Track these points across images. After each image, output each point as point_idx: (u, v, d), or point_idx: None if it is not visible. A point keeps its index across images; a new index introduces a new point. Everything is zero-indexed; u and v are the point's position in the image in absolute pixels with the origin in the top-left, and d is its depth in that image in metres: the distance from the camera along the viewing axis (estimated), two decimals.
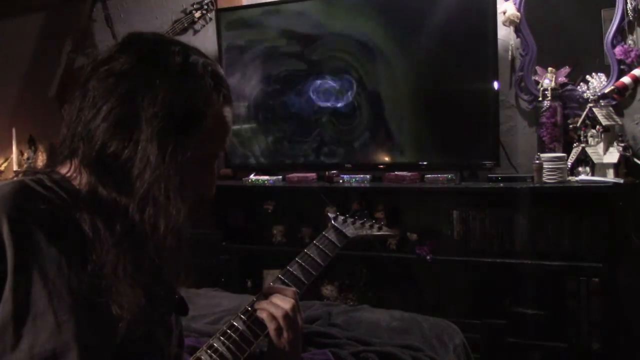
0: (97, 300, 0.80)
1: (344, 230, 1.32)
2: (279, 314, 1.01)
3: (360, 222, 1.40)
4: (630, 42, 2.44)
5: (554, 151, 2.48)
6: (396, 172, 2.71)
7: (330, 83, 2.85)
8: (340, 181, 2.79)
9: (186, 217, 0.83)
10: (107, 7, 3.45)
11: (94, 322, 0.80)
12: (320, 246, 1.24)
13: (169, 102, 0.80)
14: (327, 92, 2.86)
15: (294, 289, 1.09)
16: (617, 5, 2.42)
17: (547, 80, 2.52)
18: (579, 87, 2.52)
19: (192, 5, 3.25)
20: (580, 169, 2.47)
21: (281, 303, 1.03)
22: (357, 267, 2.82)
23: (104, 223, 0.81)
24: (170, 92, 0.81)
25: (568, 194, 2.43)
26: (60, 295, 0.77)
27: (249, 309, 1.03)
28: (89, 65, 0.85)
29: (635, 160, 2.41)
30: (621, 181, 2.30)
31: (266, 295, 1.07)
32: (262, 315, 1.02)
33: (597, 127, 2.42)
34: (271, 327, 1.01)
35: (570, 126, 2.51)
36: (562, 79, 2.54)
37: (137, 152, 0.79)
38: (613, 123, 2.40)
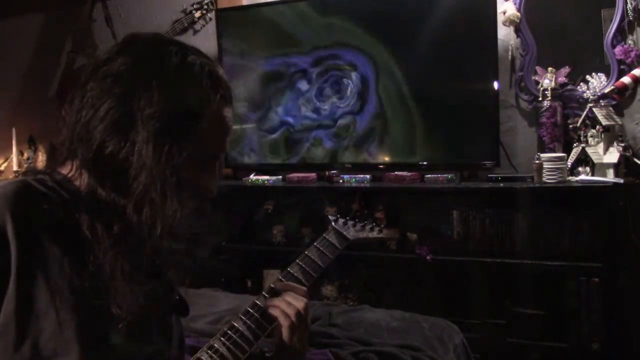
0: (98, 301, 0.80)
1: (344, 233, 1.32)
2: (292, 312, 1.03)
3: (361, 224, 1.40)
4: (630, 42, 2.44)
5: (554, 151, 2.49)
6: (396, 172, 2.72)
7: (330, 83, 2.85)
8: (340, 181, 2.79)
9: (184, 217, 0.83)
10: (107, 7, 3.45)
11: (94, 322, 0.80)
12: (321, 248, 1.24)
13: (164, 102, 0.80)
14: (327, 92, 2.86)
15: (305, 288, 1.10)
16: (617, 5, 2.42)
17: (547, 80, 2.52)
18: (579, 87, 2.52)
19: (192, 5, 3.25)
20: (580, 169, 2.47)
21: (294, 302, 1.04)
22: (357, 267, 2.82)
23: (102, 224, 0.81)
24: (166, 93, 0.81)
25: (568, 194, 2.43)
26: (62, 295, 0.78)
27: (250, 310, 1.04)
28: (89, 67, 0.85)
29: (635, 160, 2.42)
30: (621, 181, 2.30)
31: (277, 291, 1.08)
32: (275, 312, 1.04)
33: (597, 127, 2.42)
34: (284, 324, 1.03)
35: (570, 126, 2.51)
36: (562, 79, 2.54)
37: (134, 153, 0.79)
38: (613, 123, 2.40)
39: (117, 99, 0.80)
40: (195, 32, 3.32)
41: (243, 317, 1.02)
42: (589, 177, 2.41)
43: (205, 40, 3.23)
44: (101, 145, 0.80)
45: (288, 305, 1.03)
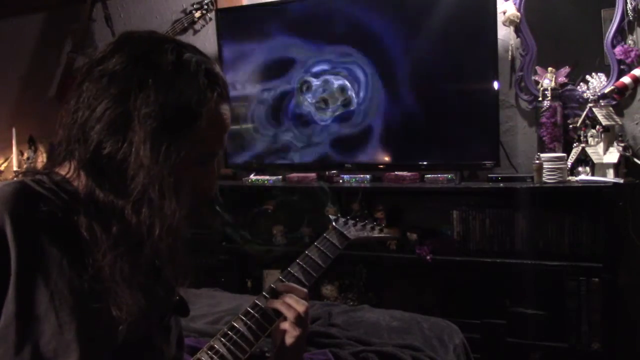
0: (97, 303, 0.80)
1: (345, 232, 1.32)
2: (292, 315, 1.02)
3: (362, 224, 1.40)
4: (630, 42, 2.44)
5: (554, 151, 2.48)
6: (396, 172, 2.71)
7: (330, 83, 2.85)
8: (340, 181, 2.79)
9: (183, 217, 0.82)
10: (107, 7, 3.45)
11: (95, 323, 0.80)
12: (321, 248, 1.23)
13: (161, 101, 0.79)
14: (327, 92, 2.86)
15: (305, 289, 1.09)
16: (617, 5, 2.42)
17: (547, 80, 2.52)
18: (579, 87, 2.52)
19: (192, 5, 3.25)
20: (580, 169, 2.47)
21: (295, 304, 1.03)
22: (357, 267, 2.82)
23: (101, 225, 0.81)
24: (163, 91, 0.80)
25: (568, 194, 2.42)
26: (62, 296, 0.78)
27: (250, 310, 1.04)
28: (84, 66, 0.85)
29: (635, 160, 2.41)
30: (621, 181, 2.30)
31: (278, 292, 1.07)
32: (278, 308, 1.03)
33: (597, 127, 2.42)
34: (284, 326, 1.02)
35: (570, 126, 2.51)
36: (562, 79, 2.54)
37: (131, 153, 0.78)
38: (613, 123, 2.40)
39: (113, 99, 0.79)
40: (195, 32, 3.32)
41: (243, 318, 1.02)
42: (589, 177, 2.41)
43: (205, 40, 3.23)
44: (98, 145, 0.79)
45: (288, 308, 1.02)
